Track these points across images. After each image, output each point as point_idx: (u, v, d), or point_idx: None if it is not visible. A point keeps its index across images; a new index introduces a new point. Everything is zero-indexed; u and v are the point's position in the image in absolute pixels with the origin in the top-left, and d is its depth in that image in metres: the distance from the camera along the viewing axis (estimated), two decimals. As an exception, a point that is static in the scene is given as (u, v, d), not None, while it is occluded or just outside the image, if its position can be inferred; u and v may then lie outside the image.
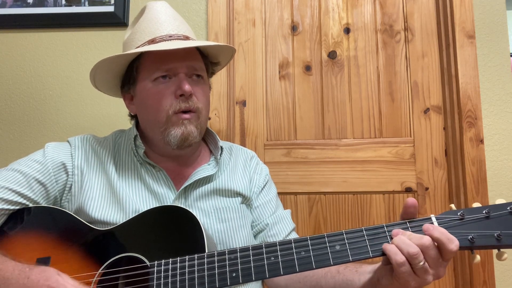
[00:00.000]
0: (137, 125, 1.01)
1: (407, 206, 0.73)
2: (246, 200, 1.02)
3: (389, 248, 0.68)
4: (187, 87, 0.89)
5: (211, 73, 1.05)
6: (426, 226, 0.69)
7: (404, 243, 0.67)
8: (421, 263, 0.65)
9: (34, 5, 1.48)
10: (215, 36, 1.45)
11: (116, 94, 1.05)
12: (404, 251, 0.66)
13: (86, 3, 1.47)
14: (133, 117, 1.03)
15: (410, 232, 0.69)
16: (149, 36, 0.92)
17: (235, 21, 1.51)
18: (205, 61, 0.99)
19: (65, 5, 1.47)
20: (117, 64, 0.95)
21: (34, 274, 0.70)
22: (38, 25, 1.49)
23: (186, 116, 0.90)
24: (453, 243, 0.66)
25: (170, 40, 0.91)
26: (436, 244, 0.67)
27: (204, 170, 0.97)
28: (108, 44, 1.48)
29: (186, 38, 0.94)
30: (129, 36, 0.97)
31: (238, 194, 1.00)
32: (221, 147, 1.01)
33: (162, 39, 0.91)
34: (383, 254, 0.69)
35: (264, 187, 1.06)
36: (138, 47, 0.92)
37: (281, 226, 1.02)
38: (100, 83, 1.01)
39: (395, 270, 0.67)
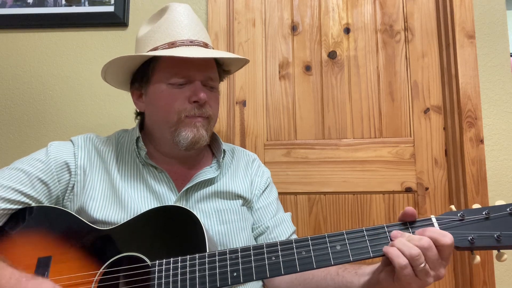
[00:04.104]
0: (141, 125, 1.01)
1: (405, 215, 0.73)
2: (247, 203, 1.02)
3: (391, 251, 0.68)
4: (202, 95, 0.89)
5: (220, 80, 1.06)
6: (417, 231, 0.70)
7: (405, 245, 0.67)
8: (422, 265, 0.66)
9: (34, 5, 1.48)
10: (215, 36, 1.45)
11: (124, 88, 1.05)
12: (406, 253, 0.66)
13: (86, 3, 1.47)
14: (138, 114, 1.03)
15: (409, 234, 0.70)
16: (170, 38, 0.91)
17: (235, 21, 1.51)
18: (218, 69, 1.00)
19: (65, 5, 1.47)
20: (133, 61, 0.94)
21: (31, 285, 0.70)
22: (38, 25, 1.49)
23: (199, 118, 0.91)
24: (447, 236, 0.67)
25: (191, 45, 0.91)
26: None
27: (206, 172, 0.98)
28: (108, 44, 1.48)
29: (205, 45, 0.94)
30: (147, 33, 0.96)
31: (239, 196, 1.00)
32: (224, 150, 1.01)
33: (183, 43, 0.91)
34: (384, 254, 0.69)
35: (265, 190, 1.06)
36: (158, 47, 0.91)
37: (281, 229, 1.02)
38: (111, 77, 1.00)
39: (397, 273, 0.67)
